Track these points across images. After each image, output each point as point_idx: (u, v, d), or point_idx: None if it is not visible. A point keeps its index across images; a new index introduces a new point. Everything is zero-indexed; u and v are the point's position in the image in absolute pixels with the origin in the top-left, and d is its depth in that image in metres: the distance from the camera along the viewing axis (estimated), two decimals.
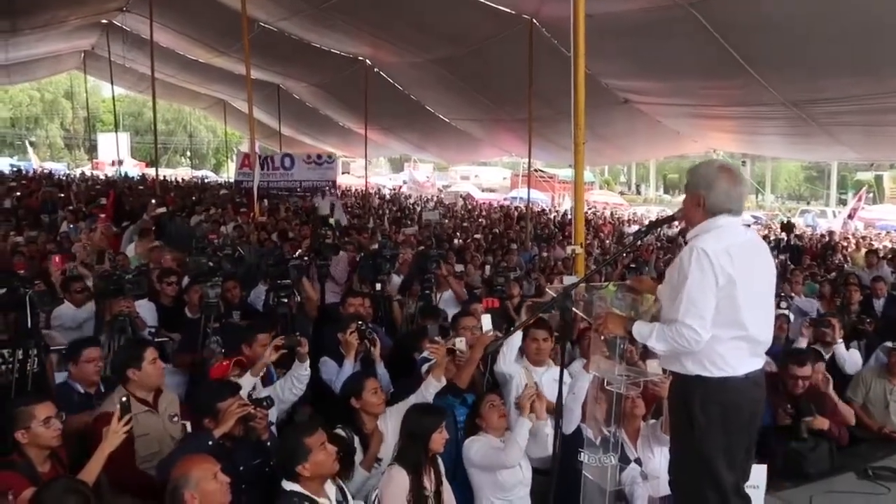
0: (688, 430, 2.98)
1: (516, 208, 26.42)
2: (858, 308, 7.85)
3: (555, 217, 24.00)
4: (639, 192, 55.28)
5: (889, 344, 5.46)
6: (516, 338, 4.46)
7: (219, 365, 4.32)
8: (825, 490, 4.36)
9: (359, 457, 3.81)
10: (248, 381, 4.03)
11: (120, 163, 31.25)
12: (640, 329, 3.03)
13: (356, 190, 31.81)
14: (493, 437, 3.91)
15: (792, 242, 16.16)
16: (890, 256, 12.78)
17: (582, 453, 3.53)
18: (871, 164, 29.01)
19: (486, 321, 4.43)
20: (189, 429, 3.84)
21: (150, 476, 3.57)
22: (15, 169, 32.77)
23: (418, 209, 24.30)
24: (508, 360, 4.42)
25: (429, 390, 4.09)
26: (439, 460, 3.68)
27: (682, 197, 3.13)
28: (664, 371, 3.44)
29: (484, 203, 32.50)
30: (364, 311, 5.63)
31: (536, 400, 3.87)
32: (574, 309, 3.24)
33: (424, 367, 4.41)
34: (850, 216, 24.86)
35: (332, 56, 19.64)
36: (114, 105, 30.77)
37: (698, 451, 2.96)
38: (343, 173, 44.75)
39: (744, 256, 2.90)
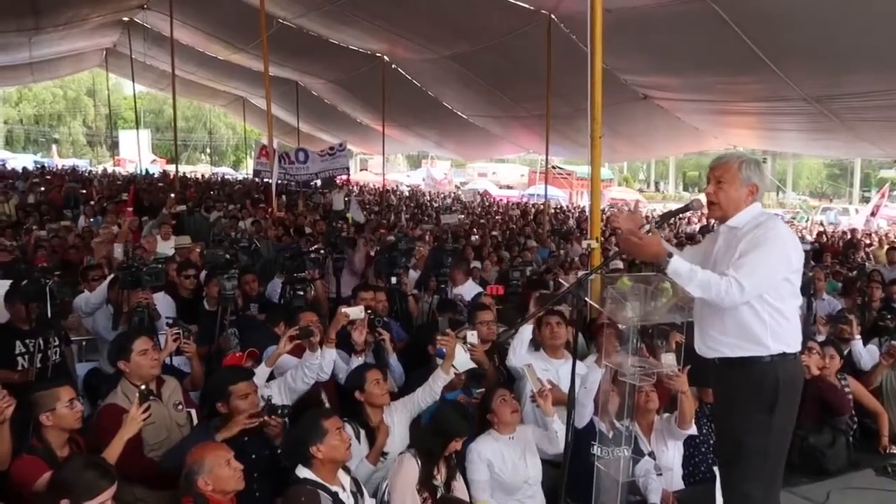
0: (764, 414, 2.96)
1: (534, 205, 26.34)
2: (880, 304, 7.75)
3: (573, 213, 23.90)
4: (658, 190, 54.87)
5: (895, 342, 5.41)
6: (525, 332, 4.43)
7: (231, 356, 4.36)
8: (843, 486, 4.32)
9: (364, 450, 3.82)
10: (261, 372, 4.07)
11: (151, 162, 31.51)
12: (678, 265, 2.89)
13: (374, 187, 31.91)
14: (503, 436, 3.89)
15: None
16: None
17: (595, 446, 3.52)
18: (894, 160, 28.61)
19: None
20: (194, 416, 3.89)
21: (159, 463, 3.60)
22: (39, 166, 33.26)
23: (435, 205, 24.34)
24: (519, 354, 4.40)
25: (437, 383, 4.08)
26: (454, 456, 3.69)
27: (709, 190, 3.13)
28: (716, 360, 3.23)
29: (501, 200, 32.45)
30: (379, 305, 5.65)
31: (540, 398, 3.85)
32: (587, 299, 3.23)
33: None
34: (873, 213, 24.47)
35: (350, 52, 19.70)
36: (135, 102, 31.03)
37: (771, 437, 2.97)
38: (361, 170, 45.02)
39: None
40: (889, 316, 6.51)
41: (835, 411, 4.71)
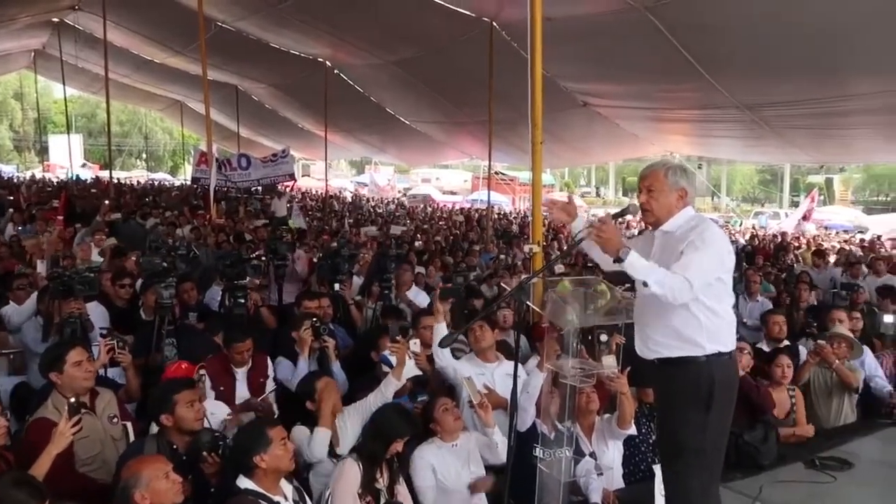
0: (700, 412, 3.03)
1: (477, 210, 26.52)
2: (808, 305, 8.05)
3: (516, 219, 24.14)
4: (598, 195, 56.03)
5: (821, 342, 5.64)
6: (441, 331, 4.43)
7: (177, 366, 4.21)
8: (774, 480, 4.47)
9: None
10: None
11: (82, 166, 30.47)
12: (634, 259, 2.94)
13: (317, 192, 31.61)
14: (446, 444, 3.89)
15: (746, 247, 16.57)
16: (838, 257, 13.16)
17: (537, 448, 3.56)
18: (821, 166, 29.90)
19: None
20: (130, 429, 3.77)
21: (91, 479, 3.51)
22: None
23: (379, 211, 24.24)
24: (443, 356, 4.40)
25: (388, 389, 4.08)
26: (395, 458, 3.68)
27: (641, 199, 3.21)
28: (655, 360, 3.28)
29: (445, 205, 32.58)
30: (323, 312, 5.61)
31: (480, 410, 3.84)
32: (528, 303, 3.26)
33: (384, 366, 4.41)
34: (805, 217, 25.36)
35: (292, 57, 19.47)
36: (66, 106, 29.93)
37: (707, 435, 3.05)
38: (303, 175, 44.51)
39: None
40: (812, 320, 6.78)
41: (758, 409, 4.89)
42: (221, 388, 4.48)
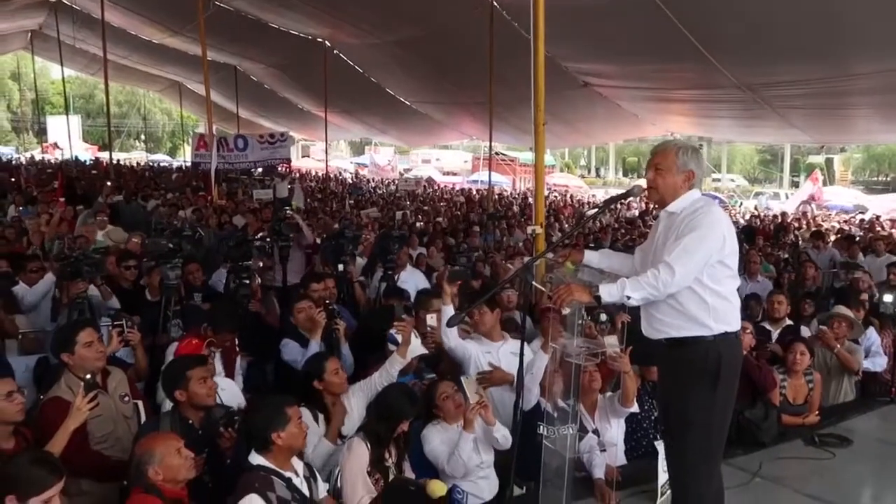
0: (707, 391, 3.07)
1: (478, 191, 26.50)
2: (813, 284, 8.07)
3: (516, 199, 24.14)
4: (598, 175, 55.95)
5: (822, 327, 5.70)
6: (447, 312, 4.32)
7: (188, 342, 4.24)
8: (774, 457, 4.55)
9: (323, 431, 3.85)
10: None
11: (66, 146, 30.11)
12: (608, 289, 3.03)
13: (316, 173, 31.57)
14: (451, 426, 3.91)
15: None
16: (837, 238, 13.17)
17: (541, 426, 3.61)
18: (821, 146, 29.85)
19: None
20: (141, 408, 3.83)
21: (105, 456, 3.57)
22: None
23: (380, 192, 24.22)
24: (452, 336, 4.41)
25: (394, 367, 4.12)
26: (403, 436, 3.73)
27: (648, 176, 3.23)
28: (662, 340, 3.28)
29: (445, 186, 32.53)
30: (328, 292, 5.65)
31: (482, 410, 3.88)
32: (534, 283, 3.31)
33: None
34: (814, 199, 25.42)
35: (291, 37, 19.39)
36: (63, 87, 29.71)
37: (714, 411, 3.10)
38: (303, 157, 44.40)
39: None
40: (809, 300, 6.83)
41: (761, 388, 4.95)
42: None
